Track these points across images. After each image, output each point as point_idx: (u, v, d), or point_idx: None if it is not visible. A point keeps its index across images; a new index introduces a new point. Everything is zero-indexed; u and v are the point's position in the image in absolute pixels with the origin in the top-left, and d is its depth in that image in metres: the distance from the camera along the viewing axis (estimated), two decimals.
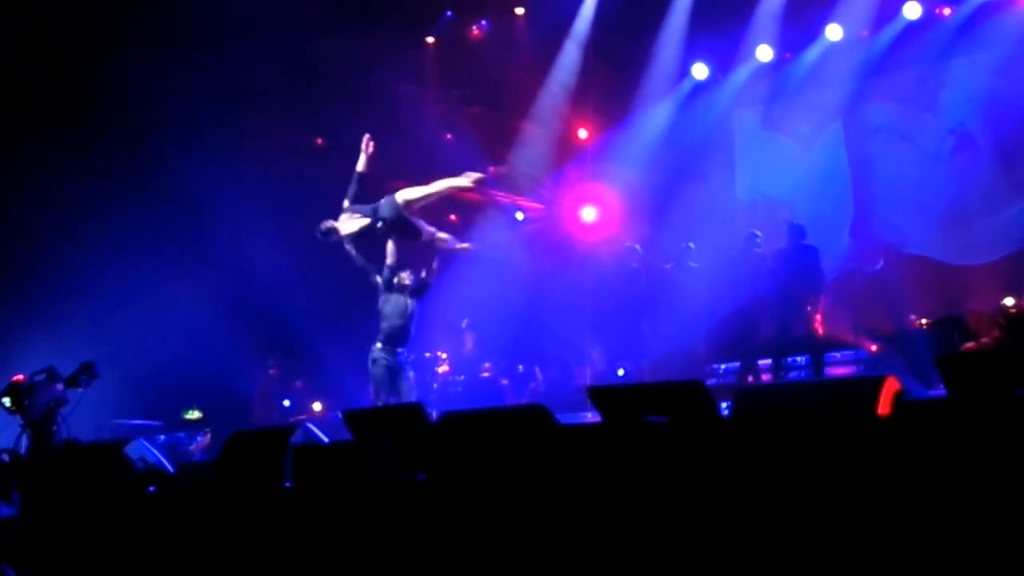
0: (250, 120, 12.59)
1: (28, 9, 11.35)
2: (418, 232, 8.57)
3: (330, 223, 8.50)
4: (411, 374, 8.77)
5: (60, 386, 7.69)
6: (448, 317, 12.71)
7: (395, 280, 8.62)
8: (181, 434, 10.48)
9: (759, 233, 10.92)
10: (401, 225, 8.45)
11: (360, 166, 8.57)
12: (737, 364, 10.91)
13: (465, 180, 8.58)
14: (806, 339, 10.17)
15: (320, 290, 12.15)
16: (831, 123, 13.39)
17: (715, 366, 11.64)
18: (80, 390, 7.75)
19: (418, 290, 8.75)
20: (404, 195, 8.49)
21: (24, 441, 7.41)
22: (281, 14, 12.17)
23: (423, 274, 8.78)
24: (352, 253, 8.59)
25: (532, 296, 13.00)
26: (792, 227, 10.44)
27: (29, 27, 11.47)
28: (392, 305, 8.53)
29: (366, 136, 8.62)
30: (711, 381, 10.75)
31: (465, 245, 9.13)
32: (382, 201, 8.52)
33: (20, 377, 7.63)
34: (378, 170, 12.17)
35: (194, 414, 11.72)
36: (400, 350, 8.47)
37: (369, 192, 8.68)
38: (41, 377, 7.66)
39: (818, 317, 10.14)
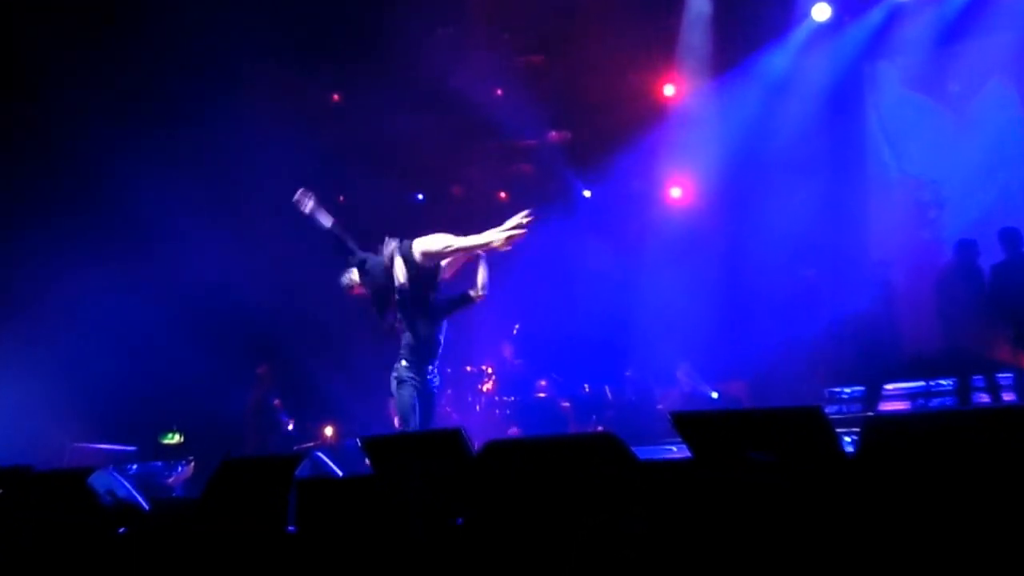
0: (251, 69, 12.74)
1: None
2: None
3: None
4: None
5: None
6: (495, 322, 12.74)
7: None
8: (158, 463, 10.62)
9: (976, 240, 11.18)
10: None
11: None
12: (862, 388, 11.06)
13: (499, 235, 8.26)
14: (954, 357, 10.37)
15: (330, 290, 12.23)
16: (988, 81, 13.22)
17: (836, 390, 11.73)
18: None
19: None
20: (421, 245, 8.36)
21: None
22: None
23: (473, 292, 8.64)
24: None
25: (603, 298, 13.07)
26: (1005, 233, 10.73)
27: None
28: (425, 315, 8.58)
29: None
30: (831, 408, 10.78)
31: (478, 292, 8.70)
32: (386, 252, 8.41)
33: None
34: (403, 136, 12.43)
35: (174, 438, 11.83)
36: (429, 368, 8.58)
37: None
38: None
39: None
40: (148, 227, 12.21)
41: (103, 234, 12.09)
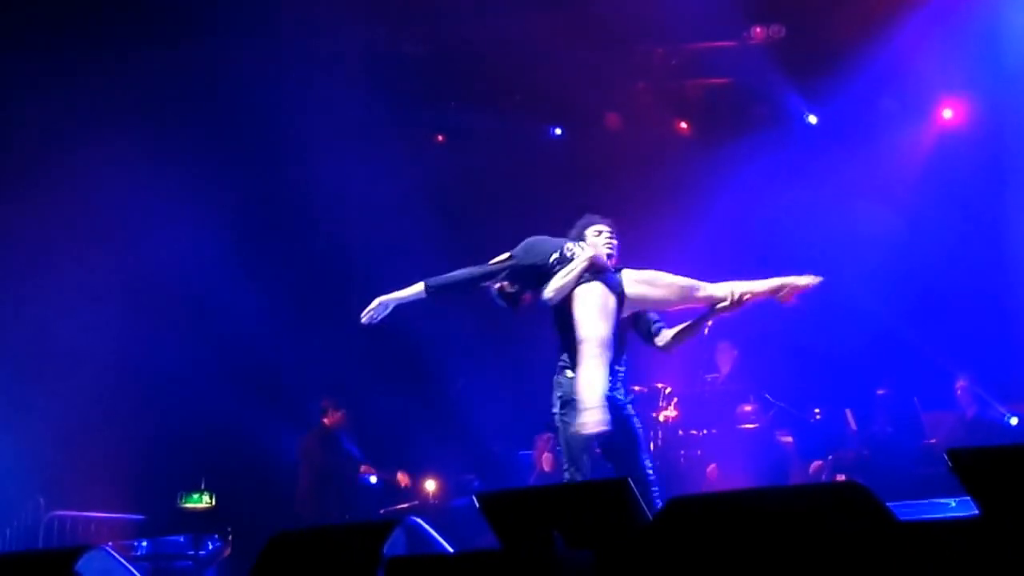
0: None
1: None
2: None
3: None
4: None
5: None
6: (675, 315, 12.41)
7: None
8: (179, 538, 10.98)
9: None
10: None
11: None
12: None
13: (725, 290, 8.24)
14: None
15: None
16: None
17: None
18: None
19: None
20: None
21: None
22: None
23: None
24: None
25: (839, 274, 12.48)
26: None
27: None
28: None
29: None
30: None
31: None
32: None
33: None
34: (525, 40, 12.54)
35: (201, 500, 12.27)
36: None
37: None
38: None
39: None
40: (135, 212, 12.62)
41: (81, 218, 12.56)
